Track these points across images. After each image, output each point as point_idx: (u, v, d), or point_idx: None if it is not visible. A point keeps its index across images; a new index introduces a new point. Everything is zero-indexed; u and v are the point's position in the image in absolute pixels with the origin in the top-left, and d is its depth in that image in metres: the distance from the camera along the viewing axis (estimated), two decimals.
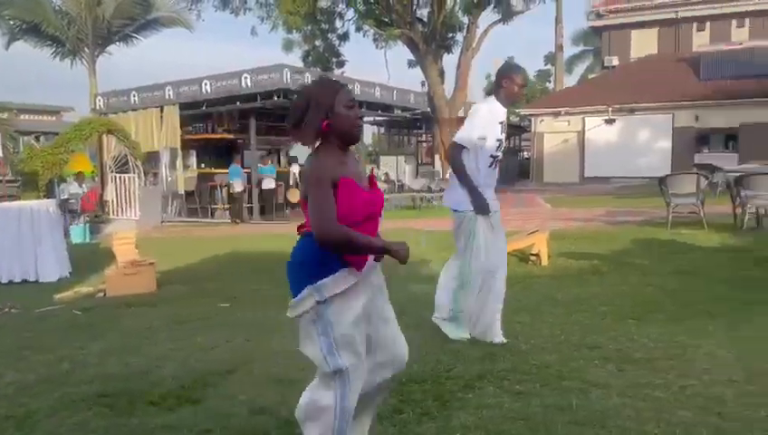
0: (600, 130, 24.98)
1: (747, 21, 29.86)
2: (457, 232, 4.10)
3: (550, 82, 40.75)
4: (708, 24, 30.51)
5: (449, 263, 4.28)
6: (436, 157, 23.86)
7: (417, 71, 21.72)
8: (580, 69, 40.94)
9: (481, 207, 3.95)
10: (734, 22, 30.16)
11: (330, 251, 2.10)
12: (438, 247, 8.04)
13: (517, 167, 30.71)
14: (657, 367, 3.38)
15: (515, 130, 31.51)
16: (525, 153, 33.70)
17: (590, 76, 36.73)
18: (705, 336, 3.87)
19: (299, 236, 2.23)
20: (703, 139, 23.90)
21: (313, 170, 2.12)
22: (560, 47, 32.36)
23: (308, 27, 20.47)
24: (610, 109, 24.36)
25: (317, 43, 21.63)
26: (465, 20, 20.87)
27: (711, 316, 4.34)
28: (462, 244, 4.06)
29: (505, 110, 4.06)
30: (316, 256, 2.12)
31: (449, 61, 22.40)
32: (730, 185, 9.00)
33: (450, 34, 21.63)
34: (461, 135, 4.04)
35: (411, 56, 21.48)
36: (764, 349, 3.55)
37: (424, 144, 28.63)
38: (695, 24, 30.62)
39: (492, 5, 19.91)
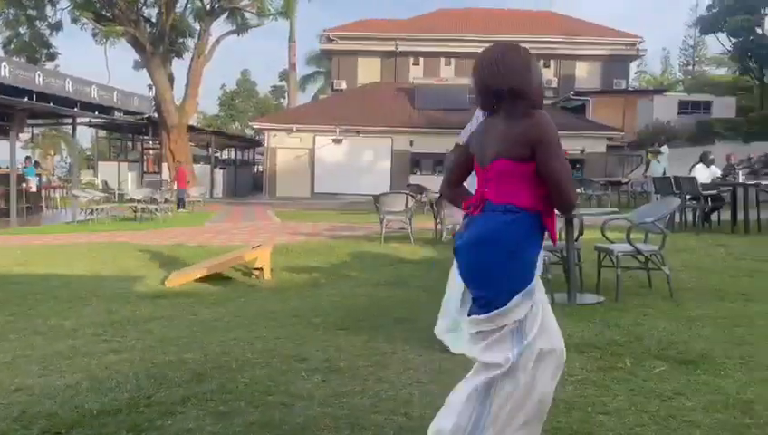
0: (329, 149, 26.32)
1: (453, 60, 34.34)
2: None
3: (284, 98, 41.73)
4: (422, 59, 34.36)
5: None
6: (164, 165, 22.62)
7: (145, 73, 20.42)
8: (313, 88, 42.76)
9: None
10: (442, 60, 34.43)
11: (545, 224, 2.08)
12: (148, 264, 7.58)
13: (251, 180, 30.70)
14: (358, 375, 3.57)
15: (250, 143, 31.50)
16: (259, 167, 33.88)
17: (321, 97, 38.56)
18: (401, 342, 4.22)
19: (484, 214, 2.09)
20: (417, 162, 26.73)
21: (553, 128, 2.02)
22: (293, 66, 33.38)
23: (10, 11, 17.84)
24: (338, 129, 25.85)
25: (21, 30, 18.97)
26: (197, 26, 20.26)
27: (409, 322, 4.77)
28: None
29: None
30: (529, 237, 2.06)
31: (181, 66, 21.52)
32: (433, 204, 10.14)
33: (181, 39, 20.80)
34: (463, 136, 4.03)
35: (138, 57, 20.11)
36: (447, 349, 3.99)
37: (151, 151, 26.95)
38: (411, 59, 34.22)
39: (225, 15, 19.67)
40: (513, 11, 38.12)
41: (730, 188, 10.96)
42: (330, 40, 33.81)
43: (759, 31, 28.79)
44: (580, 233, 5.83)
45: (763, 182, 11.16)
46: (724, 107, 27.93)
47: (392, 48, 33.09)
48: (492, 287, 2.07)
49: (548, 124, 2.04)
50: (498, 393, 2.06)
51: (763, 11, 28.57)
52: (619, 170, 24.91)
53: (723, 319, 4.54)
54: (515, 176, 2.06)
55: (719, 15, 29.01)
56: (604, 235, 5.83)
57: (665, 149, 16.77)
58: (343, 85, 32.49)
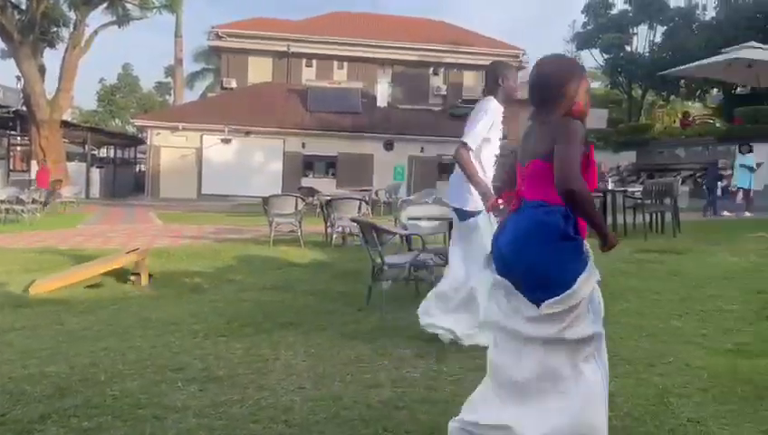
0: (217, 149, 25.52)
1: (346, 64, 34.45)
2: (468, 234, 4.09)
3: (170, 95, 40.05)
4: (315, 61, 34.19)
5: (456, 274, 4.17)
6: (33, 163, 20.96)
7: (12, 63, 18.83)
8: (201, 86, 41.35)
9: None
10: (335, 62, 34.45)
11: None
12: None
13: (132, 180, 29.16)
14: (237, 383, 3.45)
15: (131, 141, 29.92)
16: (141, 166, 32.27)
17: (210, 95, 37.38)
18: (285, 347, 4.13)
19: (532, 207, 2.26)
20: (309, 164, 26.56)
21: (578, 129, 2.25)
22: (179, 61, 32.10)
23: None
24: (227, 129, 25.14)
25: None
26: (73, 15, 18.97)
27: (294, 327, 4.69)
28: (472, 244, 4.05)
29: (502, 108, 4.07)
30: (567, 225, 2.19)
31: (54, 57, 20.09)
32: (323, 207, 10.08)
33: (54, 28, 19.38)
34: (470, 136, 3.93)
35: (4, 46, 18.51)
36: (333, 355, 3.96)
37: (19, 148, 24.90)
38: (304, 60, 33.94)
39: (105, 5, 18.56)
40: (406, 17, 38.87)
41: (601, 194, 11.75)
42: (219, 37, 32.81)
43: (628, 48, 31.21)
44: None
45: (630, 189, 12.05)
46: (596, 118, 29.99)
47: (285, 48, 32.63)
48: (551, 272, 2.17)
49: (571, 125, 2.27)
50: (599, 363, 2.24)
51: (631, 30, 31.01)
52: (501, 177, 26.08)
53: None
54: (546, 174, 2.21)
55: (593, 32, 31.12)
56: None
57: None
58: (233, 84, 31.63)
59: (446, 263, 5.72)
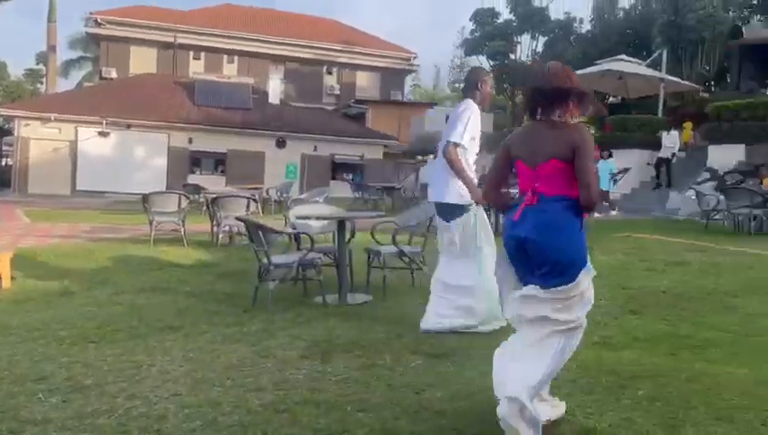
0: (94, 142, 23.96)
1: (236, 58, 33.58)
2: (462, 228, 4.33)
3: (42, 83, 37.21)
4: (203, 54, 33.05)
5: (450, 270, 4.42)
6: None
7: None
8: (78, 75, 38.72)
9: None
10: (225, 57, 33.49)
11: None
12: None
13: None
14: (106, 392, 3.22)
15: None
16: (8, 159, 29.70)
17: (87, 85, 35.09)
18: (161, 353, 3.92)
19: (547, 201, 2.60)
20: (196, 160, 25.57)
21: (591, 137, 2.61)
22: (52, 48, 29.87)
23: None
24: (105, 121, 23.68)
25: None
26: None
27: (173, 331, 4.46)
28: (468, 237, 4.34)
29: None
30: (580, 220, 2.60)
31: None
32: (209, 205, 9.72)
33: None
34: (460, 136, 4.23)
35: None
36: (212, 359, 3.80)
37: None
38: (191, 52, 32.70)
39: None
40: (300, 15, 38.54)
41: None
42: (98, 24, 30.89)
43: (512, 56, 32.75)
44: (352, 235, 6.00)
45: (512, 190, 12.65)
46: (483, 123, 31.17)
47: (171, 39, 31.29)
48: (564, 259, 2.58)
49: (587, 133, 2.63)
50: (569, 344, 2.67)
51: (516, 39, 32.56)
52: (395, 176, 26.46)
53: None
54: (565, 172, 2.58)
55: (480, 39, 32.39)
56: (373, 237, 6.08)
57: (432, 159, 18.20)
58: (113, 74, 29.88)
59: (336, 262, 5.72)
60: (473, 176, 4.29)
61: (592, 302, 2.71)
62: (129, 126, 24.07)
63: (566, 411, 2.93)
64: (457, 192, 4.30)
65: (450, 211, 4.39)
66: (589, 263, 2.66)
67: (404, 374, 3.51)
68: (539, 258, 2.62)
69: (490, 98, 4.58)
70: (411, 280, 6.09)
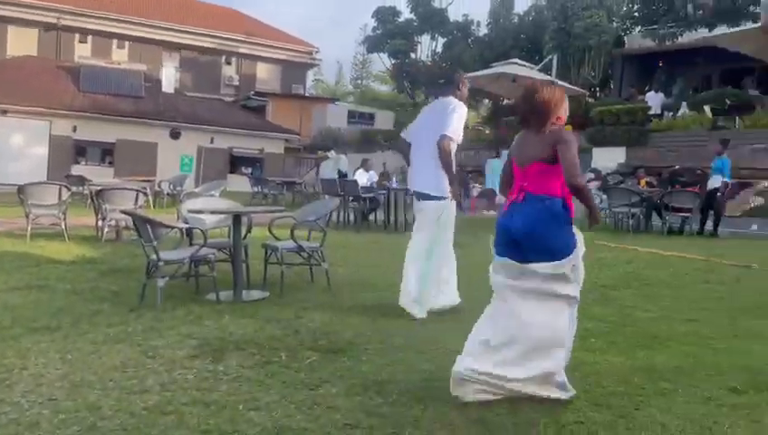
0: None
1: (127, 44, 31.89)
2: (438, 217, 4.68)
3: None
4: (91, 37, 31.12)
5: (419, 249, 4.76)
6: None
7: None
8: None
9: (460, 196, 4.81)
10: (115, 41, 31.70)
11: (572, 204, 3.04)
12: None
13: None
14: None
15: None
16: None
17: None
18: (36, 355, 3.63)
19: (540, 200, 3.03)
20: (82, 150, 24.03)
21: (573, 137, 3.08)
22: None
23: None
24: None
25: None
26: None
27: (50, 331, 4.14)
28: (440, 225, 4.70)
29: None
30: (565, 212, 3.02)
31: None
32: (93, 198, 9.14)
33: None
34: (450, 129, 4.51)
35: None
36: (93, 360, 3.57)
37: None
38: (77, 35, 30.70)
39: None
40: (200, 3, 37.09)
41: (385, 191, 12.37)
42: None
43: (413, 55, 33.26)
44: (249, 230, 5.85)
45: (410, 189, 12.88)
46: (384, 120, 31.55)
47: (54, 20, 29.21)
48: (555, 245, 2.99)
49: (567, 133, 3.09)
50: (572, 315, 3.13)
51: (416, 38, 33.07)
52: (296, 171, 26.16)
53: (372, 308, 5.00)
54: (547, 174, 3.01)
55: (382, 37, 32.62)
56: (271, 232, 5.96)
57: (332, 154, 18.14)
58: None
59: (230, 257, 5.55)
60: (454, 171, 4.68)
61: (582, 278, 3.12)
62: (5, 112, 22.23)
63: (456, 402, 3.00)
64: (442, 185, 4.64)
65: (429, 200, 4.75)
66: (579, 246, 3.05)
67: (299, 371, 3.46)
68: (527, 245, 3.02)
69: (465, 100, 4.87)
70: (310, 276, 6.03)
